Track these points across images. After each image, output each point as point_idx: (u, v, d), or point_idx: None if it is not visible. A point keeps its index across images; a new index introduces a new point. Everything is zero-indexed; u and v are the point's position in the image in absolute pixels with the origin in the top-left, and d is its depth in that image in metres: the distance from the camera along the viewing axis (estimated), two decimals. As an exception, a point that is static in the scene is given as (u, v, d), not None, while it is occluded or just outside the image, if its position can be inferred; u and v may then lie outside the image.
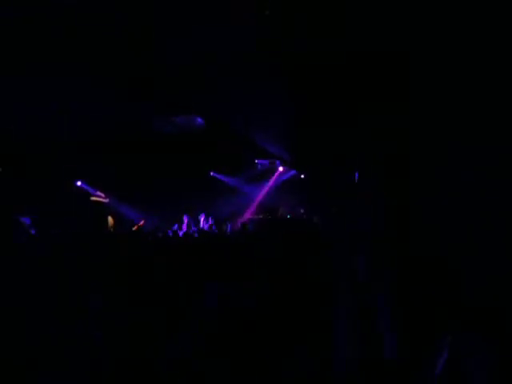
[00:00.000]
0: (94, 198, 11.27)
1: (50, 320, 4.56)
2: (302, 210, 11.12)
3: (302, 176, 11.51)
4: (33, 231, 7.42)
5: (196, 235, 10.14)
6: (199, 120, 10.78)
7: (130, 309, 4.73)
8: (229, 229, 11.05)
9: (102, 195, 11.34)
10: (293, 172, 12.03)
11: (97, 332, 4.40)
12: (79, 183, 11.19)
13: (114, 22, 4.77)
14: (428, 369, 3.11)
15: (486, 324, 3.14)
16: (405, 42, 5.05)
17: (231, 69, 7.81)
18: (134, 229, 10.24)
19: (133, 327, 4.41)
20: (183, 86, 8.37)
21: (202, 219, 11.35)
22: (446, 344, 3.11)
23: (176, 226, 10.82)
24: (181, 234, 10.21)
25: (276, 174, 12.19)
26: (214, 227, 11.33)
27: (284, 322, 4.20)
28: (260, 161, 12.14)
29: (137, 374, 3.82)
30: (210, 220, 11.33)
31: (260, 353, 3.87)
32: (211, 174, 12.33)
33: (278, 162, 12.09)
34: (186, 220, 11.09)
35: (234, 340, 4.08)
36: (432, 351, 3.16)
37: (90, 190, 11.32)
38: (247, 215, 12.04)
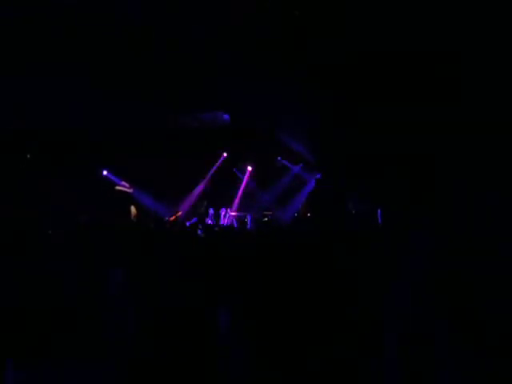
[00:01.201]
0: (118, 188, 11.66)
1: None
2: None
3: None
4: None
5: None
6: (225, 116, 10.99)
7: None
8: (249, 223, 11.18)
9: (127, 185, 11.70)
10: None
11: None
12: (105, 172, 11.62)
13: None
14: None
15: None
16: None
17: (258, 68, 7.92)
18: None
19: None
20: (209, 83, 8.57)
21: (222, 214, 11.57)
22: None
23: (195, 220, 11.07)
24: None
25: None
26: (234, 222, 11.52)
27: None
28: (282, 160, 12.21)
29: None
30: (229, 214, 11.54)
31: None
32: (234, 170, 12.54)
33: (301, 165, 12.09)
34: (211, 213, 11.38)
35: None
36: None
37: (116, 179, 11.74)
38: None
